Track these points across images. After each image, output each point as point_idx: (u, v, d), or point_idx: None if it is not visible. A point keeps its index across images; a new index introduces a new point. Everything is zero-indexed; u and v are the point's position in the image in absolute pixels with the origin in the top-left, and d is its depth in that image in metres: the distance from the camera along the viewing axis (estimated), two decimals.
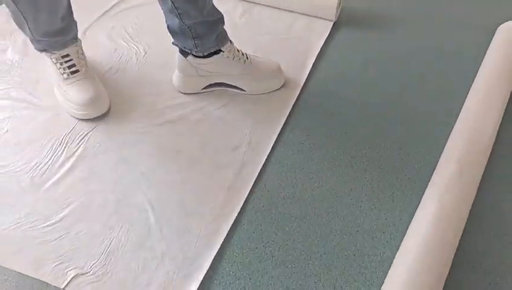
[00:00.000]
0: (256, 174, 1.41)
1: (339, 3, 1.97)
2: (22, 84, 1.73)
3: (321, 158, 1.48)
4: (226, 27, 1.57)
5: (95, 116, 1.56)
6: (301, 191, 1.38)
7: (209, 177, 1.40)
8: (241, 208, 1.33)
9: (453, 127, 1.51)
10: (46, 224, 1.29)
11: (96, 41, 1.94)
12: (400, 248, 1.19)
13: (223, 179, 1.40)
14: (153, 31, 1.98)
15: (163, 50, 1.88)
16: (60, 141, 1.52)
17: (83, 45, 1.66)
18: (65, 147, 1.50)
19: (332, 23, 2.01)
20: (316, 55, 1.84)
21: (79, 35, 1.77)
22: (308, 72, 1.77)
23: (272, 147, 1.50)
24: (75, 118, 1.57)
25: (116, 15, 2.08)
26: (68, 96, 1.55)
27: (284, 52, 1.85)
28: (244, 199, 1.35)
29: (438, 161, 1.42)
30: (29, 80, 1.74)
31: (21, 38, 1.94)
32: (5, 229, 1.27)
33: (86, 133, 1.54)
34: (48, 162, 1.45)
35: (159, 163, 1.45)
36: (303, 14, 2.04)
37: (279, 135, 1.54)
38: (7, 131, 1.56)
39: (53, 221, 1.29)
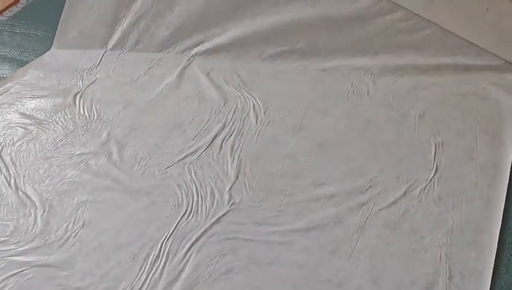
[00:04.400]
0: None
1: None
2: (104, 149, 1.25)
3: None
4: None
5: None
6: None
7: None
8: None
9: None
10: None
11: (196, 87, 1.44)
12: None
13: None
14: (275, 76, 1.46)
15: (290, 104, 1.35)
16: (158, 248, 1.03)
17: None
18: (166, 260, 1.01)
19: None
20: None
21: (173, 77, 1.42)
22: None
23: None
24: None
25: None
26: None
27: (459, 120, 1.27)
28: None
29: None
30: (114, 143, 1.26)
31: (100, 84, 1.47)
32: None
33: (196, 236, 1.04)
34: (141, 287, 0.96)
35: None
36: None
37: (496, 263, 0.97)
38: (83, 226, 1.09)
39: None
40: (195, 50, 1.55)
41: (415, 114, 1.32)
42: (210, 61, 1.53)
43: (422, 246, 1.01)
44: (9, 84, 1.55)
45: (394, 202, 1.10)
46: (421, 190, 1.12)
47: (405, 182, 1.14)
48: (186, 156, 1.24)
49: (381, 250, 1.01)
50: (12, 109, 1.44)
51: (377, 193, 1.13)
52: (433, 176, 1.15)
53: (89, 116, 1.38)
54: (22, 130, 1.36)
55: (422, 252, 1.00)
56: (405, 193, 1.12)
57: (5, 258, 1.03)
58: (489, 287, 0.94)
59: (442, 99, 1.36)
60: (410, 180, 1.15)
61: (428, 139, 1.24)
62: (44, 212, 1.12)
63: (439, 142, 1.23)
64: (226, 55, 1.53)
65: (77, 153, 1.27)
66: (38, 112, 1.41)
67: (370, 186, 1.14)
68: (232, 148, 1.25)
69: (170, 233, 1.06)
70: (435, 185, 1.13)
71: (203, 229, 1.06)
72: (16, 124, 1.38)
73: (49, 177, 1.21)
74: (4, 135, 1.34)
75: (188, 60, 1.55)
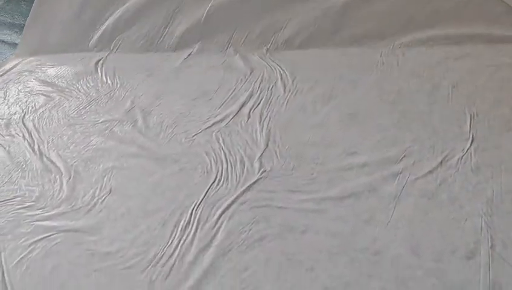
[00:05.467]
0: None
1: None
2: (128, 116, 1.22)
3: None
4: None
5: None
6: None
7: None
8: None
9: None
10: None
11: (221, 56, 1.40)
12: None
13: None
14: (301, 47, 1.42)
15: (318, 74, 1.31)
16: (189, 215, 1.00)
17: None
18: (197, 227, 0.98)
19: None
20: None
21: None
22: None
23: None
24: None
25: None
26: None
27: (494, 91, 1.23)
28: None
29: None
30: (138, 111, 1.23)
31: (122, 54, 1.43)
32: None
33: (227, 203, 1.01)
34: (173, 253, 0.94)
35: (351, 272, 0.89)
36: None
37: None
38: (110, 192, 1.06)
39: None
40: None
41: (448, 84, 1.28)
42: (232, 26, 1.47)
43: (461, 215, 0.98)
44: None
45: (430, 172, 1.07)
46: (458, 159, 1.09)
47: (440, 152, 1.11)
48: (213, 124, 1.20)
49: (419, 219, 0.98)
50: (33, 77, 1.41)
51: (412, 162, 1.09)
52: (470, 146, 1.11)
53: (112, 84, 1.35)
54: (44, 97, 1.33)
55: (462, 221, 0.97)
56: (441, 162, 1.08)
57: (32, 223, 1.01)
58: None
59: (475, 70, 1.32)
60: (445, 150, 1.11)
61: (462, 110, 1.20)
62: (70, 178, 1.10)
63: (474, 113, 1.19)
64: (251, 16, 1.47)
65: (101, 120, 1.24)
66: (59, 80, 1.37)
67: (404, 156, 1.11)
68: (260, 116, 1.22)
69: (200, 200, 1.03)
70: (472, 155, 1.09)
71: (234, 196, 1.03)
72: (37, 92, 1.35)
73: (74, 144, 1.18)
74: (26, 102, 1.32)
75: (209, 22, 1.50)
